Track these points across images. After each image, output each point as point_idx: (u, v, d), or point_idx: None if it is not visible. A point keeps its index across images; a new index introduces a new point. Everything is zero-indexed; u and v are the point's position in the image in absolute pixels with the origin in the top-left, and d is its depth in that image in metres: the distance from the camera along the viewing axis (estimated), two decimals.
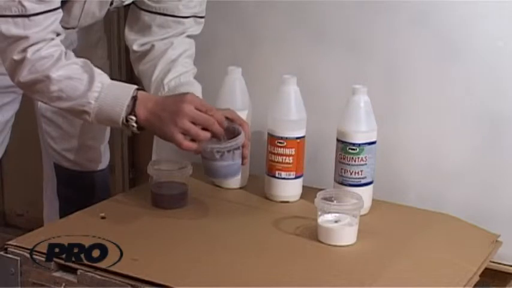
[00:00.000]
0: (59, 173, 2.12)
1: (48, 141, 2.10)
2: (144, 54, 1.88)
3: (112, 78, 1.68)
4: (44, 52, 1.60)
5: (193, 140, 1.61)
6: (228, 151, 1.63)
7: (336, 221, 1.62)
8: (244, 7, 2.04)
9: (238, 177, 1.77)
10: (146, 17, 1.85)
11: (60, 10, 1.64)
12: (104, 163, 2.15)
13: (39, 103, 2.02)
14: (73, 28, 1.82)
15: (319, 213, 1.62)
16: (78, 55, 1.87)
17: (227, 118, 1.69)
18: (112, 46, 2.39)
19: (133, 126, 1.62)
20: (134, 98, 1.62)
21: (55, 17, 1.62)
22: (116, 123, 1.63)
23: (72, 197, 2.07)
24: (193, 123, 1.60)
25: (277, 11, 2.00)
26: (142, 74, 1.89)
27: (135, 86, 1.65)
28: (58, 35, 1.65)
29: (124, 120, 1.62)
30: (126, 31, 1.90)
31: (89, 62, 1.66)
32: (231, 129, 1.68)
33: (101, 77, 1.64)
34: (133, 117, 1.61)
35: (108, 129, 2.15)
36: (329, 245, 1.60)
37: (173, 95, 1.71)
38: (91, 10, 1.77)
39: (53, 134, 2.08)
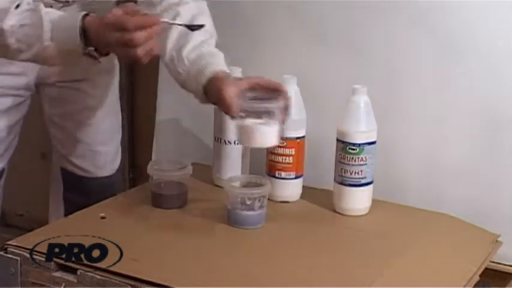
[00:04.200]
0: (65, 177, 2.09)
1: (55, 146, 2.08)
2: None
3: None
4: None
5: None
6: (256, 199, 1.66)
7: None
8: (245, 7, 2.04)
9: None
10: None
11: None
12: (112, 169, 2.10)
13: (47, 108, 1.99)
14: (67, 1, 1.77)
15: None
16: None
17: (260, 85, 1.65)
18: None
19: (96, 56, 1.58)
20: (83, 29, 1.55)
21: None
22: (80, 57, 1.59)
23: (78, 202, 2.02)
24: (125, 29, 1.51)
25: (277, 12, 2.00)
26: None
27: (82, 14, 1.57)
28: None
29: (86, 52, 1.57)
30: None
31: (38, 4, 1.61)
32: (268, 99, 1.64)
33: (48, 15, 1.59)
34: (92, 48, 1.57)
35: (119, 133, 2.12)
36: (329, 246, 1.60)
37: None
38: None
39: (60, 139, 2.05)
